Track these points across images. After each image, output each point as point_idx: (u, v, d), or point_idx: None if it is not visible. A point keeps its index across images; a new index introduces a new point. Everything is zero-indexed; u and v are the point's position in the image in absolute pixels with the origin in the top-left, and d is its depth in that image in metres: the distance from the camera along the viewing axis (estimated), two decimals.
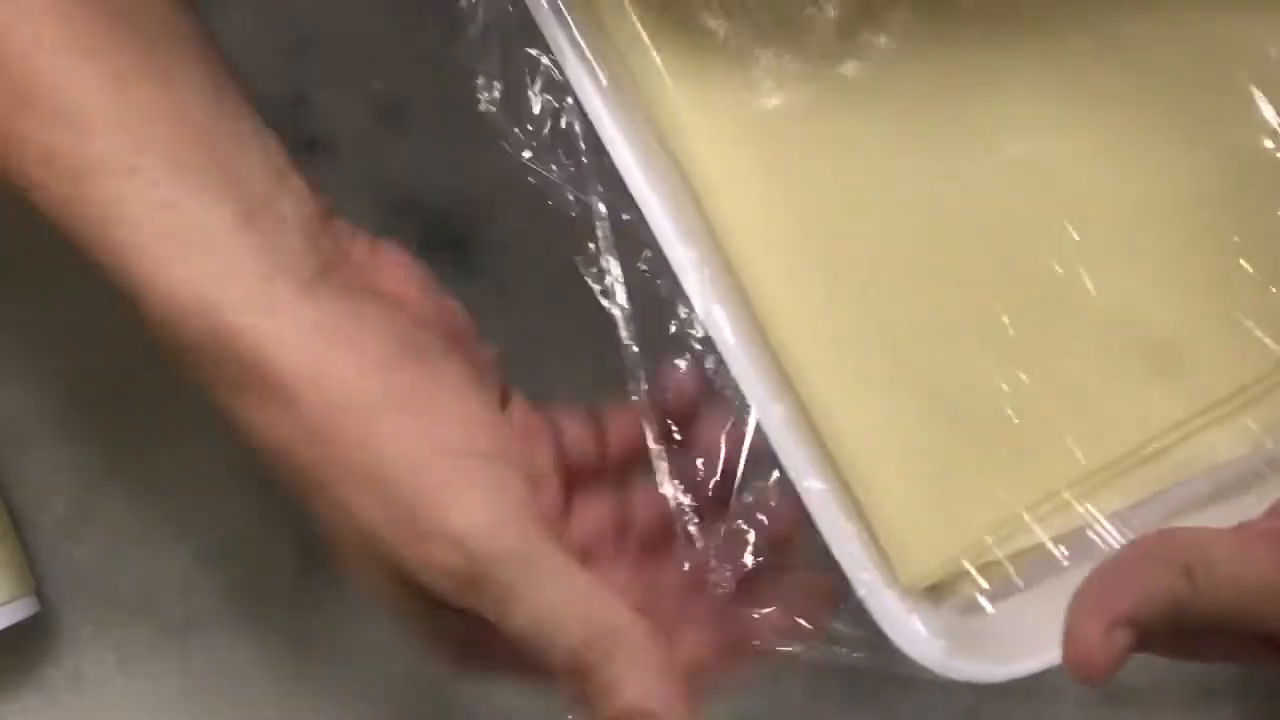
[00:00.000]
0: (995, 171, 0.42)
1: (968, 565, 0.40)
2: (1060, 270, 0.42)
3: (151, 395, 0.54)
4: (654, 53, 0.42)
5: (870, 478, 0.40)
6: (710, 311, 0.40)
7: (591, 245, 0.42)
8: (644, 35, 0.42)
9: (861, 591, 0.39)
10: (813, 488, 0.40)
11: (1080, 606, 0.33)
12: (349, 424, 0.37)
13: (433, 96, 0.55)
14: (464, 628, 0.38)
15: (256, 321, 0.37)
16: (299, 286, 0.37)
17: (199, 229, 0.37)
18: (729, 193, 0.42)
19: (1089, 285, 0.42)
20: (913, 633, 0.39)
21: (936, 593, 0.41)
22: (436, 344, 0.39)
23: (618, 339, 0.45)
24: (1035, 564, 0.41)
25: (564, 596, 0.36)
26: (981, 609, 0.40)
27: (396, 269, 0.41)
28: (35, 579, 0.53)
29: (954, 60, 0.43)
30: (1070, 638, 0.33)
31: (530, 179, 0.42)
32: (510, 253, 0.55)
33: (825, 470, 0.40)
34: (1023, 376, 0.41)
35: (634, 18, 0.42)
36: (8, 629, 0.51)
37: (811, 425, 0.41)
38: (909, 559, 0.40)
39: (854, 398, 0.41)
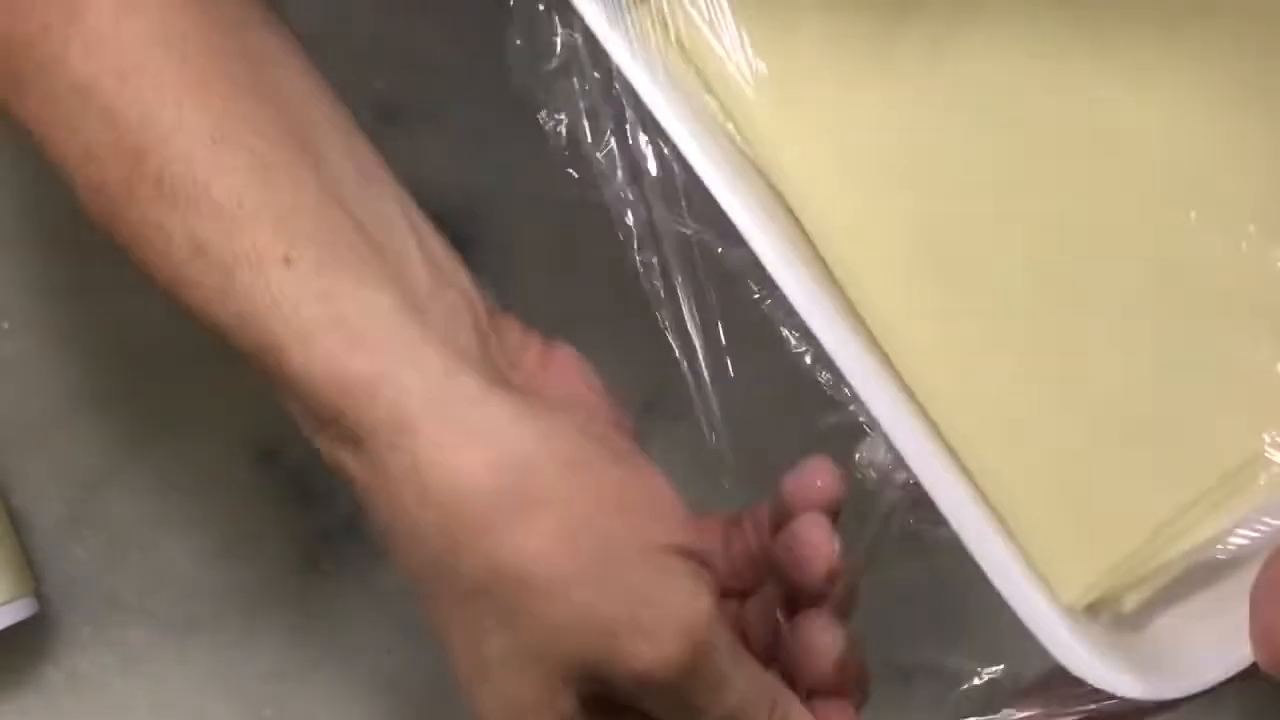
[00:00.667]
0: (1085, 154, 0.41)
1: (1128, 575, 0.39)
2: (1180, 253, 0.40)
3: (151, 396, 0.54)
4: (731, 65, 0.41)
5: (1016, 501, 0.39)
6: (829, 330, 0.38)
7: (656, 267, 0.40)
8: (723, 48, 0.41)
9: (1027, 619, 0.38)
10: (964, 519, 0.38)
11: (1265, 602, 0.33)
12: (557, 519, 0.35)
13: (433, 96, 0.55)
14: None
15: (444, 414, 0.35)
16: (481, 380, 0.36)
17: (366, 318, 0.35)
18: (826, 206, 0.40)
19: (1207, 264, 0.40)
20: (1085, 657, 0.37)
21: (1097, 608, 0.39)
22: (624, 441, 0.38)
23: (621, 339, 0.45)
24: (1195, 565, 0.39)
25: (752, 676, 0.38)
26: (1148, 617, 0.39)
27: (570, 370, 0.40)
28: (35, 579, 0.53)
29: (1019, 37, 0.41)
30: (1262, 636, 0.32)
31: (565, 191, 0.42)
32: (510, 252, 0.55)
33: (969, 495, 0.39)
34: (1158, 371, 0.39)
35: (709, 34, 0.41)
36: (8, 629, 0.51)
37: (948, 448, 0.39)
38: (1067, 578, 0.38)
39: (987, 418, 0.39)
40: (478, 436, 0.35)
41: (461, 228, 0.55)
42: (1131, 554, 0.39)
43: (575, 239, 0.54)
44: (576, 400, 0.39)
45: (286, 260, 0.35)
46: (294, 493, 0.54)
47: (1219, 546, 0.39)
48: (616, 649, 0.35)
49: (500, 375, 0.38)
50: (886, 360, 0.40)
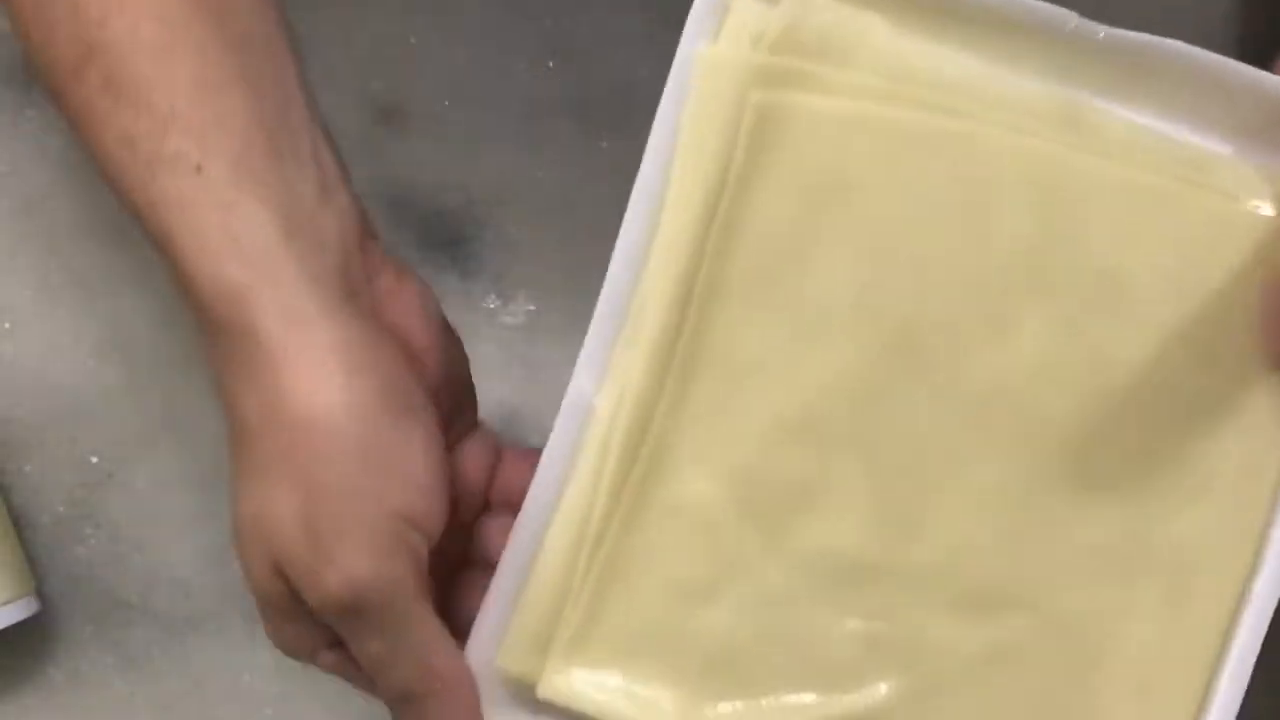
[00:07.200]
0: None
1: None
2: None
3: (151, 396, 0.54)
4: None
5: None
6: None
7: None
8: None
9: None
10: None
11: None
12: (319, 444, 0.40)
13: (433, 96, 0.55)
14: (319, 631, 0.42)
15: (282, 332, 0.40)
16: (325, 306, 0.40)
17: (249, 234, 0.40)
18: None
19: None
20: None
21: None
22: (419, 395, 0.42)
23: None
24: None
25: (411, 643, 0.41)
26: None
27: (411, 301, 0.43)
28: (35, 579, 0.53)
29: None
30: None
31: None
32: (510, 252, 0.55)
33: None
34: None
35: None
36: (8, 629, 0.51)
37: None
38: (514, 652, 0.42)
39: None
40: (305, 361, 0.40)
41: (461, 228, 0.55)
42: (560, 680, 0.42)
43: (575, 239, 0.54)
44: (406, 334, 0.43)
45: (199, 169, 0.40)
46: None
47: None
48: (298, 560, 0.40)
49: (354, 294, 0.42)
50: None
